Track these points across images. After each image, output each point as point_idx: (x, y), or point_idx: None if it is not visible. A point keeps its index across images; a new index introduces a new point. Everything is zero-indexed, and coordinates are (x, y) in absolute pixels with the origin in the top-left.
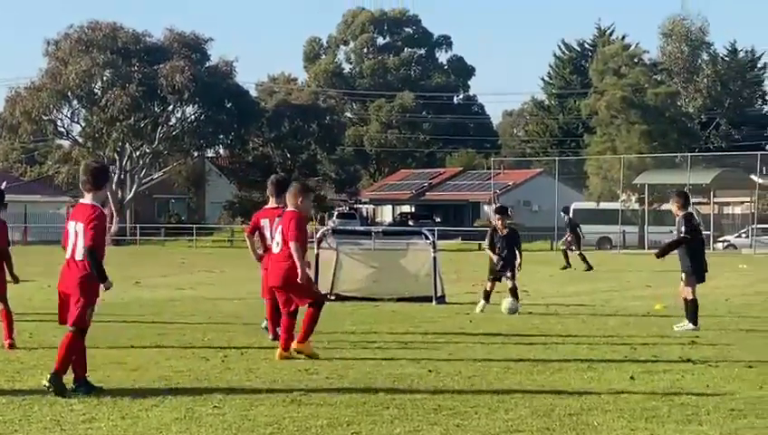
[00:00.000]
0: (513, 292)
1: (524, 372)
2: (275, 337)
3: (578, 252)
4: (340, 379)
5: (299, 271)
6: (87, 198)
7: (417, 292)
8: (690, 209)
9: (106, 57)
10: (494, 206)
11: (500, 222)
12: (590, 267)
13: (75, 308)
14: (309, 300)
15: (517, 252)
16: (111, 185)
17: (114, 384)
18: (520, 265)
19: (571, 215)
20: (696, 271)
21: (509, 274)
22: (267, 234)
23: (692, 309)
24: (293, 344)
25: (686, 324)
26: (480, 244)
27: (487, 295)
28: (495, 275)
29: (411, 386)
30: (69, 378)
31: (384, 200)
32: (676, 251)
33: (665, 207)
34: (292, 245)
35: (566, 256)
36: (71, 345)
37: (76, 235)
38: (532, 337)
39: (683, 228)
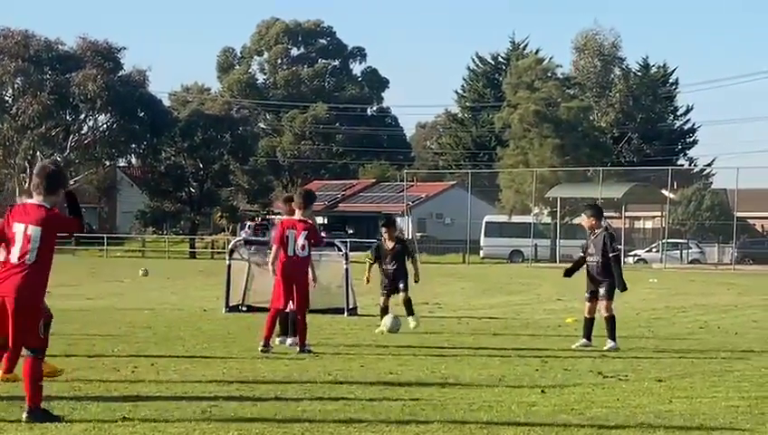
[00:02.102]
0: (407, 304)
1: (436, 385)
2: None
3: None
4: (251, 390)
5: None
6: (36, 199)
7: (328, 304)
8: (604, 223)
9: (17, 65)
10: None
11: (387, 234)
12: None
13: (32, 327)
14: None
15: (411, 265)
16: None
17: (22, 395)
18: (417, 277)
19: None
20: (613, 289)
21: (401, 285)
22: (290, 244)
23: (614, 325)
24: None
25: (610, 343)
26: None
27: (385, 312)
28: (388, 291)
29: (322, 398)
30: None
31: None
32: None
33: (576, 220)
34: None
35: None
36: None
37: (27, 238)
38: (444, 350)
39: (614, 244)
